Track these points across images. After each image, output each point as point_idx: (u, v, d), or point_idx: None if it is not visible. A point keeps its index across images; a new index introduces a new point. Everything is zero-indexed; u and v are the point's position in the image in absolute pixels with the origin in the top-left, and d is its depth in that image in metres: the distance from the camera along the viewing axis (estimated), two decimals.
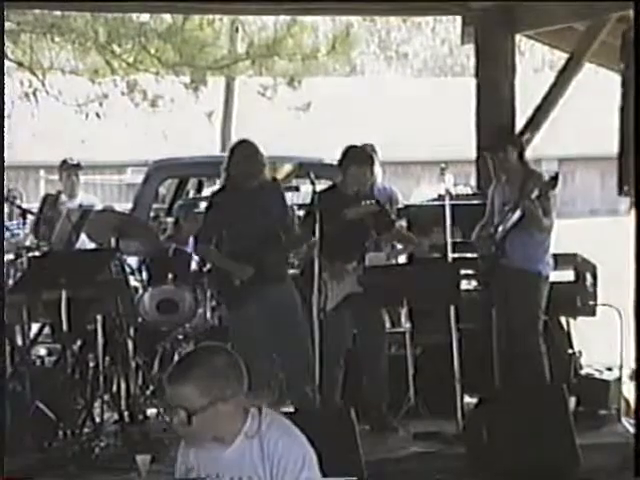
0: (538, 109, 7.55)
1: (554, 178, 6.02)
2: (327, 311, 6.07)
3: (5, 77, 14.44)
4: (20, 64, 14.22)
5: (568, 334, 6.71)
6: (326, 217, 5.91)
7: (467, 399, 6.18)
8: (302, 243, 6.21)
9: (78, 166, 8.08)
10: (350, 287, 6.12)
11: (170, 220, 7.69)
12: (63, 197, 7.29)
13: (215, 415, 2.97)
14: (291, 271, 6.40)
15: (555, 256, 6.38)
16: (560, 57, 8.00)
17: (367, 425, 6.02)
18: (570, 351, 6.64)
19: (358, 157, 6.22)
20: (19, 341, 6.11)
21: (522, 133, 7.34)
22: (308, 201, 6.27)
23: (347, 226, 6.03)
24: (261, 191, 5.98)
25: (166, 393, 3.03)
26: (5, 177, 5.84)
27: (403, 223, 6.96)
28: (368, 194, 6.36)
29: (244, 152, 5.98)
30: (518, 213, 6.09)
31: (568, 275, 6.78)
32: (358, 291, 6.13)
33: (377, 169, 7.12)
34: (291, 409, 6.18)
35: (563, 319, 6.72)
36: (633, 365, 5.86)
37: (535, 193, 5.98)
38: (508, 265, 6.19)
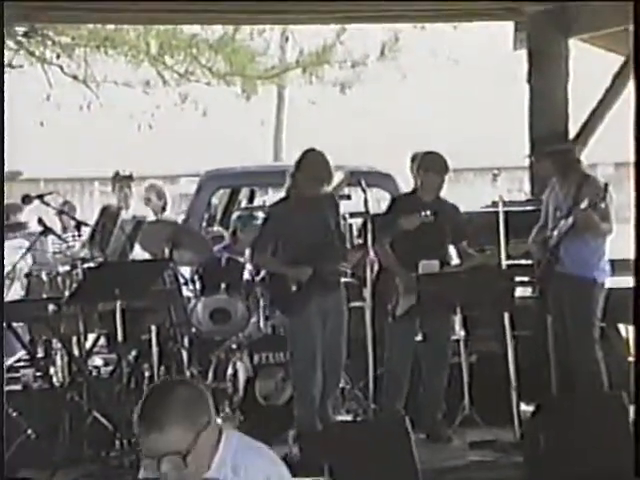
0: (593, 113, 7.45)
1: (604, 190, 5.91)
2: (396, 317, 6.05)
3: (60, 91, 14.68)
4: (75, 77, 14.40)
5: (627, 341, 6.61)
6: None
7: (523, 407, 6.11)
8: (354, 256, 6.20)
9: (130, 177, 8.12)
10: None
11: (219, 229, 7.70)
12: (124, 213, 7.33)
13: (202, 447, 2.95)
14: (344, 279, 6.39)
15: (612, 262, 6.28)
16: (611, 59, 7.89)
17: (422, 434, 5.99)
18: (630, 359, 6.53)
19: (435, 164, 6.14)
20: (76, 352, 6.18)
21: (576, 137, 7.24)
22: (384, 208, 6.29)
23: (424, 232, 5.98)
24: (322, 200, 5.98)
25: (147, 445, 2.93)
26: (62, 189, 5.90)
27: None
28: (443, 203, 6.26)
29: (315, 158, 5.96)
30: (570, 220, 6.00)
31: (626, 281, 6.67)
32: None
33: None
34: (347, 417, 6.17)
35: (622, 326, 6.61)
36: None
37: (585, 204, 5.89)
38: (563, 272, 6.12)
